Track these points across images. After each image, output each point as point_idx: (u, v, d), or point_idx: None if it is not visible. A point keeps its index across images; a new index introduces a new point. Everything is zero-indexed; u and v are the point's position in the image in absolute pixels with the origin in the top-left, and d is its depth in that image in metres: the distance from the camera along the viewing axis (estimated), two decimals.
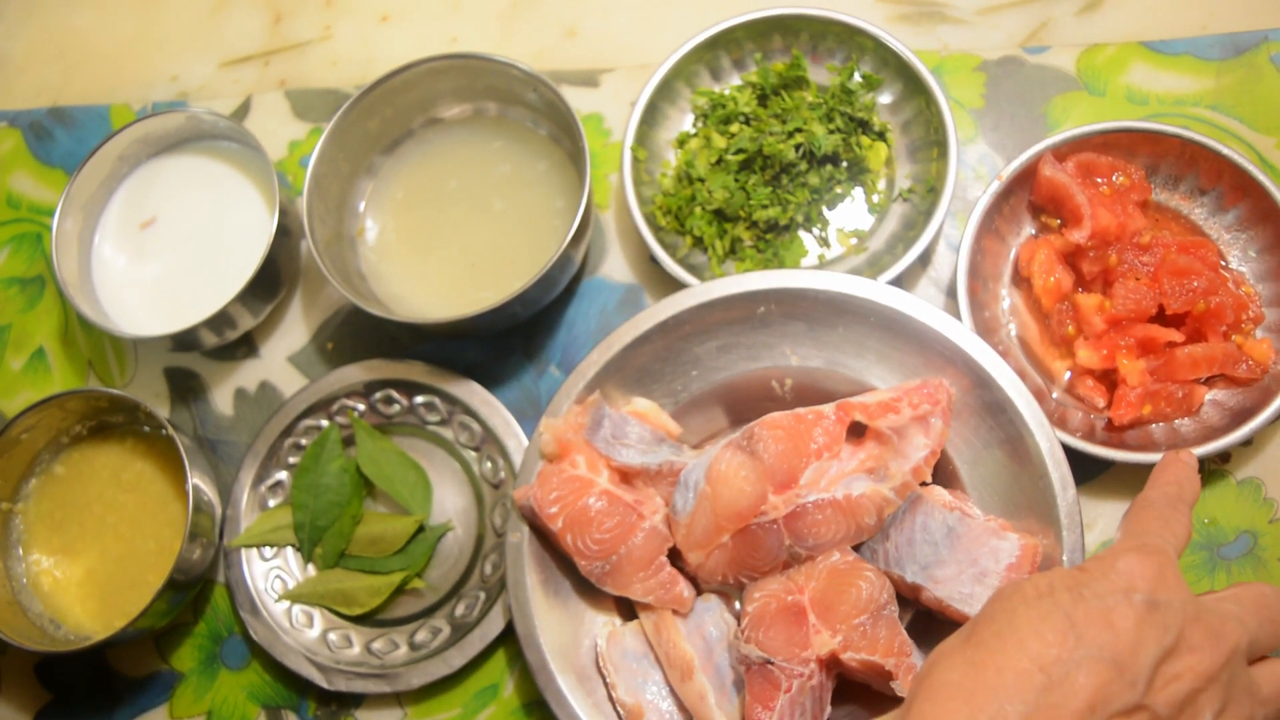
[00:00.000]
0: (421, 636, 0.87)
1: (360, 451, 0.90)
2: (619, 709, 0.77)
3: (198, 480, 0.86)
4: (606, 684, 0.78)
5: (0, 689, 0.93)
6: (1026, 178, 0.87)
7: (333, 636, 0.88)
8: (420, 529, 0.89)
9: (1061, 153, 0.87)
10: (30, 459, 0.93)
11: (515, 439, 0.89)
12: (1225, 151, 0.84)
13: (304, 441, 0.92)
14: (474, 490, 0.91)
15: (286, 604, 0.89)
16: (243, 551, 0.90)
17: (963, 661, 0.56)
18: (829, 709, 0.75)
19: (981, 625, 0.58)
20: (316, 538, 0.89)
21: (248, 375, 0.98)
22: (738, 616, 0.80)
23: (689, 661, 0.76)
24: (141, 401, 0.88)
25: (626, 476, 0.80)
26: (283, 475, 0.92)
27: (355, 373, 0.92)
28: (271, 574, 0.90)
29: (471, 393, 0.90)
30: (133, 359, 1.01)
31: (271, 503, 0.92)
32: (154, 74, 1.12)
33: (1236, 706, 0.57)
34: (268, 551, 0.91)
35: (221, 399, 0.98)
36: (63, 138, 1.10)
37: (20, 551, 0.92)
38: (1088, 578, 0.58)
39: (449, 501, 0.91)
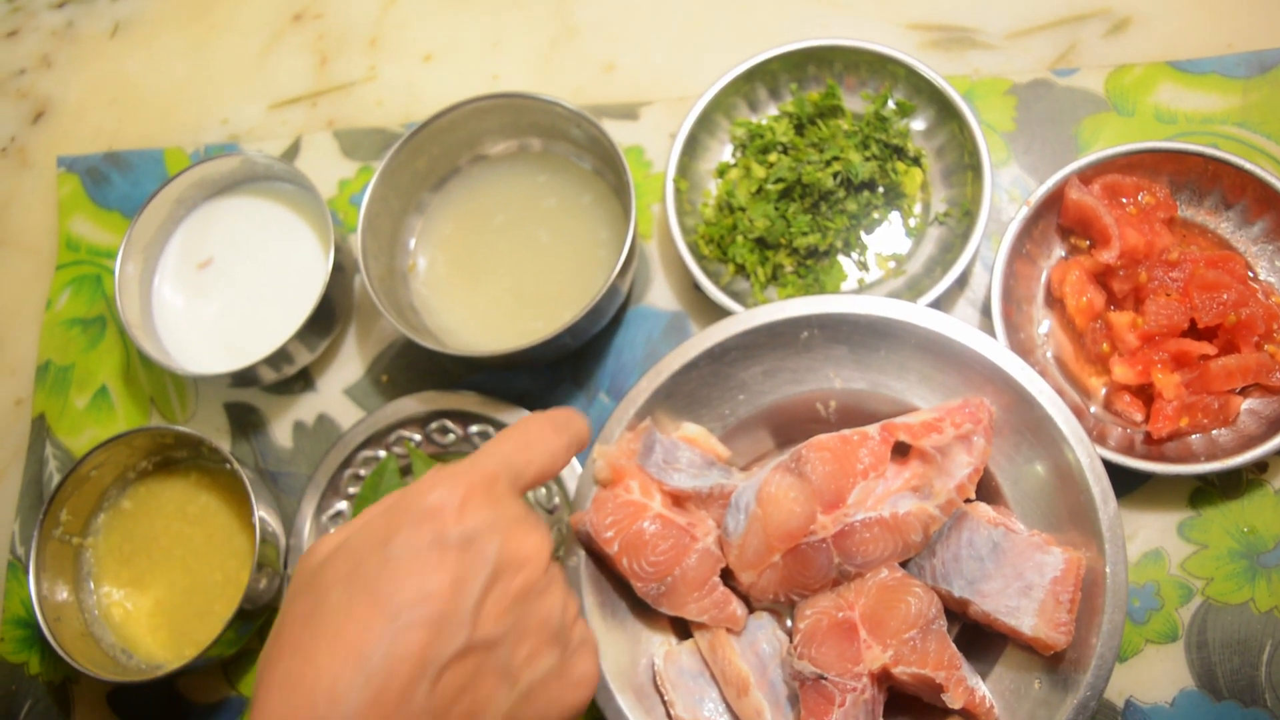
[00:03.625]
0: None
1: None
2: None
3: (263, 513, 0.89)
4: (665, 702, 0.80)
5: (74, 717, 0.96)
6: (1054, 202, 0.90)
7: None
8: None
9: (1087, 175, 0.89)
10: (99, 495, 0.96)
11: (568, 466, 0.91)
12: (1247, 166, 0.86)
13: (363, 472, 0.95)
14: None
15: None
16: None
17: (281, 681, 0.52)
18: None
19: (289, 617, 0.55)
20: None
21: (305, 408, 1.01)
22: (790, 633, 0.82)
23: (744, 678, 0.78)
24: (205, 437, 0.92)
25: (679, 500, 0.82)
26: (343, 505, 0.95)
27: (410, 404, 0.95)
28: None
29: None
30: (193, 395, 1.04)
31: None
32: (205, 117, 1.16)
33: (550, 596, 0.59)
34: None
35: (281, 432, 1.01)
36: (119, 181, 1.13)
37: (91, 585, 0.95)
38: (397, 526, 0.56)
39: None
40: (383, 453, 0.95)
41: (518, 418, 0.93)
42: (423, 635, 0.52)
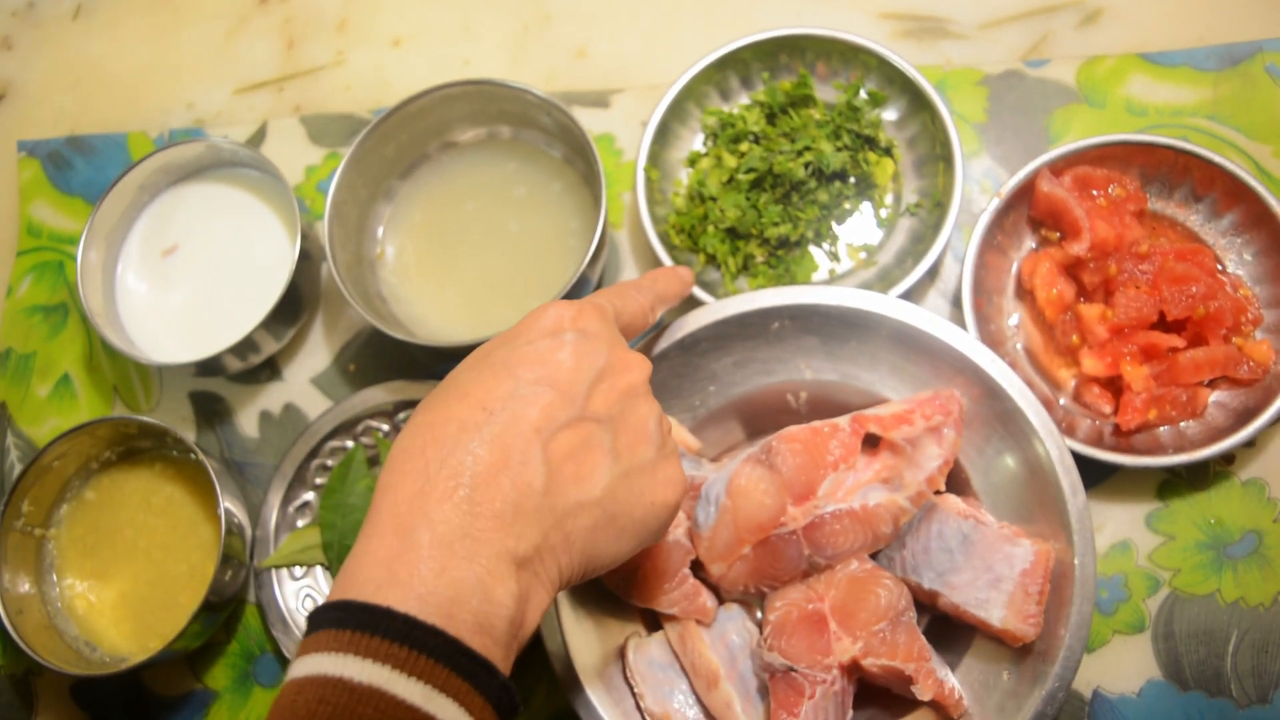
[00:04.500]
0: None
1: None
2: (647, 718, 0.79)
3: (229, 504, 0.88)
4: (634, 694, 0.80)
5: (37, 711, 0.95)
6: (1025, 193, 0.90)
7: None
8: None
9: (1058, 167, 0.89)
10: (61, 485, 0.95)
11: None
12: (1216, 159, 0.86)
13: (330, 463, 0.94)
14: None
15: None
16: (273, 572, 0.92)
17: (413, 426, 0.59)
18: (850, 713, 0.77)
19: (430, 395, 0.61)
20: (345, 556, 0.91)
21: (272, 398, 1.00)
22: (760, 625, 0.82)
23: (714, 670, 0.78)
24: (170, 428, 0.90)
25: None
26: (310, 496, 0.94)
27: (378, 394, 0.94)
28: (302, 593, 0.92)
29: None
30: (157, 384, 1.03)
31: (300, 523, 0.94)
32: (170, 101, 1.14)
33: (650, 403, 0.65)
34: (298, 571, 0.93)
35: (247, 422, 1.00)
36: (81, 166, 1.11)
37: (54, 576, 0.94)
38: (521, 330, 0.64)
39: None
40: (350, 443, 0.94)
41: None
42: (544, 397, 0.59)
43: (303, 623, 0.91)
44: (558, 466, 0.58)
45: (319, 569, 0.93)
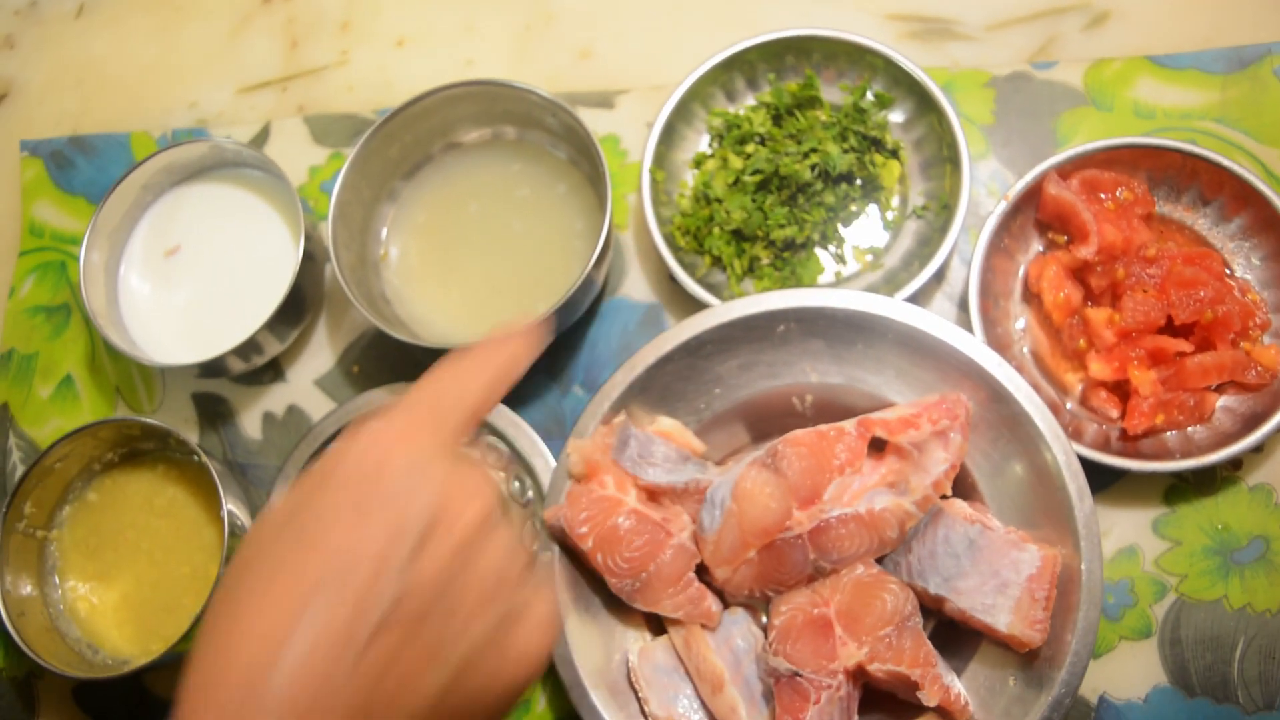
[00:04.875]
0: None
1: None
2: None
3: (232, 505, 0.88)
4: (639, 698, 0.80)
5: (39, 714, 0.95)
6: (1032, 196, 0.89)
7: None
8: None
9: (1065, 170, 0.89)
10: (64, 487, 0.94)
11: (542, 458, 0.90)
12: (1225, 163, 0.86)
13: None
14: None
15: None
16: None
17: (204, 640, 0.49)
18: (855, 718, 0.77)
19: (222, 586, 0.51)
20: None
21: (275, 399, 1.00)
22: (765, 629, 0.81)
23: (719, 674, 0.78)
24: (173, 429, 0.90)
25: (654, 495, 0.81)
26: None
27: (381, 396, 0.93)
28: None
29: (497, 413, 0.92)
30: (160, 385, 1.02)
31: None
32: (172, 101, 1.14)
33: (495, 540, 0.54)
34: None
35: (250, 423, 1.00)
36: (84, 166, 1.11)
37: (56, 578, 0.94)
38: (325, 481, 0.52)
39: None
40: None
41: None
42: (350, 595, 0.48)
43: None
44: (377, 683, 0.48)
45: None
